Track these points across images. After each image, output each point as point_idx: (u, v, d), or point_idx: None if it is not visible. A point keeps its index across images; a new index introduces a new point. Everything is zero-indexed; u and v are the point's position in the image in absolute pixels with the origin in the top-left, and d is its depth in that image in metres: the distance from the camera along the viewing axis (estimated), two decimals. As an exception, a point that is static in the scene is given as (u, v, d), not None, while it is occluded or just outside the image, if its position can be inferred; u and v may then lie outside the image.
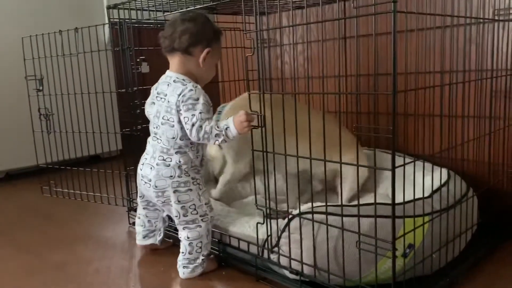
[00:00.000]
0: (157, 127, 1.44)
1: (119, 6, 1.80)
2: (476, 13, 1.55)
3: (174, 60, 1.44)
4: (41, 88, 2.22)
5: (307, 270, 1.25)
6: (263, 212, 1.35)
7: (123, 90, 1.85)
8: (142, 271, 1.52)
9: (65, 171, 2.25)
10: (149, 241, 1.60)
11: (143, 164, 1.47)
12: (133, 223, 1.92)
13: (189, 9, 1.60)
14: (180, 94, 1.37)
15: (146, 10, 1.81)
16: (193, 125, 1.34)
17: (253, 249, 1.41)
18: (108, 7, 1.83)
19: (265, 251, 1.36)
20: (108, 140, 2.10)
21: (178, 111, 1.38)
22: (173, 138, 1.40)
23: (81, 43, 1.99)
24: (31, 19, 2.82)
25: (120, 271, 1.51)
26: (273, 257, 1.33)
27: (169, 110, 1.39)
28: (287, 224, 1.28)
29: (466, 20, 1.52)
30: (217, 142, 1.36)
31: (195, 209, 1.42)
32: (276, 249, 1.32)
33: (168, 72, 1.46)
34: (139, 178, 1.49)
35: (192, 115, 1.34)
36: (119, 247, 1.72)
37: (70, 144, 2.20)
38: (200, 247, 1.43)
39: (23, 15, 2.81)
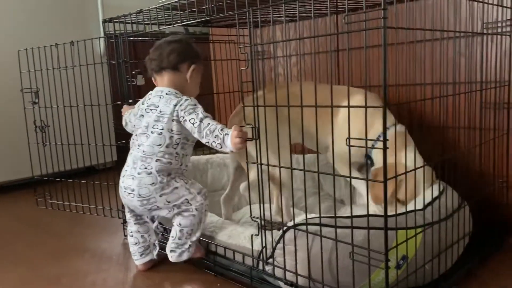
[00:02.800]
0: (146, 137, 1.49)
1: (114, 20, 1.82)
2: (465, 26, 1.59)
3: (164, 78, 1.55)
4: (36, 100, 2.23)
5: (301, 281, 1.25)
6: (258, 224, 1.36)
7: (119, 102, 1.87)
8: (138, 283, 1.52)
9: (60, 183, 2.25)
10: (147, 258, 1.60)
11: (124, 176, 1.52)
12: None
13: (184, 23, 1.62)
14: (176, 105, 1.46)
15: (141, 23, 1.83)
16: (201, 120, 1.40)
17: (248, 261, 1.42)
18: (104, 21, 1.85)
19: (260, 263, 1.37)
20: (104, 152, 2.11)
21: (172, 120, 1.45)
22: (159, 145, 1.47)
23: (77, 56, 2.00)
24: (27, 32, 2.85)
25: (116, 284, 1.51)
26: (268, 268, 1.34)
27: (160, 119, 1.47)
28: (282, 236, 1.29)
29: (455, 33, 1.55)
30: (213, 144, 1.39)
31: (188, 202, 1.49)
32: (271, 260, 1.33)
33: (157, 88, 1.56)
34: (121, 191, 1.53)
35: (196, 114, 1.43)
36: (114, 259, 1.72)
37: (65, 156, 2.21)
38: (190, 234, 1.50)
39: (19, 28, 2.84)
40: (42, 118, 2.21)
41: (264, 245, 1.35)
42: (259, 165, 1.34)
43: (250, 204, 1.47)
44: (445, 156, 1.29)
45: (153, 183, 1.46)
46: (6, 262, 1.74)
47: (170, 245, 1.52)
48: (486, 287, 1.36)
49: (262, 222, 1.36)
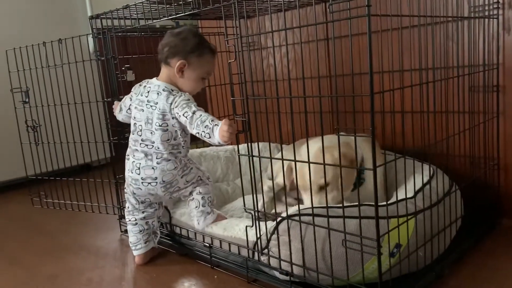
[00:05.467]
0: (151, 133, 1.52)
1: (101, 16, 1.81)
2: (452, 10, 1.58)
3: (163, 71, 1.57)
4: (27, 100, 2.22)
5: (296, 270, 1.26)
6: (252, 215, 1.37)
7: (109, 99, 1.86)
8: (135, 278, 1.53)
9: (55, 181, 2.25)
10: (150, 245, 1.64)
11: (138, 169, 1.54)
12: (125, 231, 1.93)
13: (171, 17, 1.61)
14: (172, 103, 1.49)
15: (128, 18, 1.82)
16: (193, 112, 1.43)
17: (244, 252, 1.43)
18: (91, 17, 1.84)
19: (256, 253, 1.38)
20: (97, 149, 2.11)
21: (173, 118, 1.49)
22: (168, 140, 1.51)
23: (67, 53, 1.99)
24: (16, 32, 2.82)
25: (113, 280, 1.52)
26: (263, 259, 1.35)
27: (161, 117, 1.50)
28: (276, 227, 1.29)
29: (441, 18, 1.55)
30: (202, 134, 1.40)
31: (201, 179, 1.63)
32: (266, 251, 1.33)
33: (155, 81, 1.56)
34: (136, 183, 1.55)
35: (189, 107, 1.45)
36: (111, 255, 1.73)
37: (59, 154, 2.21)
38: (211, 201, 1.62)
39: (7, 27, 2.81)
40: (33, 117, 2.20)
41: (258, 236, 1.35)
42: (251, 157, 1.34)
43: (243, 196, 1.48)
44: (435, 140, 1.29)
45: (175, 168, 1.53)
46: (1, 263, 1.74)
47: (196, 215, 1.60)
48: (479, 268, 1.38)
49: (256, 213, 1.36)
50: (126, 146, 1.86)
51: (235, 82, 1.35)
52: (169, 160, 1.52)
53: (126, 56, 1.92)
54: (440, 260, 1.36)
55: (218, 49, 2.35)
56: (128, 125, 1.84)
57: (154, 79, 1.57)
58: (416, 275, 1.28)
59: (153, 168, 1.52)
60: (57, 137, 2.17)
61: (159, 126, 1.50)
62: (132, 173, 1.55)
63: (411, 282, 1.25)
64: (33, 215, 2.30)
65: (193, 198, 1.61)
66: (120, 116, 1.69)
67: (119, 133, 1.87)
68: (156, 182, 1.52)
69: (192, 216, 1.62)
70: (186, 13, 1.59)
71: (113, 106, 1.76)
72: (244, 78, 1.29)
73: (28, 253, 1.81)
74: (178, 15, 1.63)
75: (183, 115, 1.45)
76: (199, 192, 1.60)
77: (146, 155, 1.53)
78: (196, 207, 1.60)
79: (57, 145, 2.20)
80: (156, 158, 1.52)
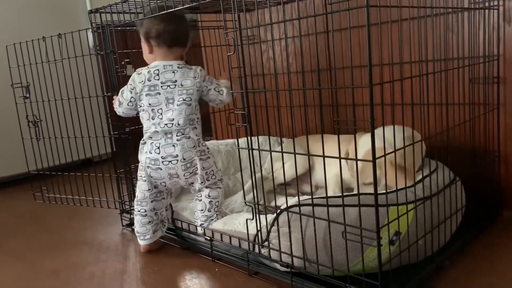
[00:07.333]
0: (172, 111, 1.55)
1: (100, 11, 1.80)
2: (452, 1, 1.58)
3: (174, 52, 1.61)
4: (28, 95, 2.22)
5: (297, 262, 1.27)
6: (252, 208, 1.37)
7: (109, 93, 1.86)
8: (137, 272, 1.54)
9: (57, 176, 2.25)
10: (158, 234, 1.66)
11: (158, 148, 1.56)
12: (127, 225, 1.94)
13: (170, 10, 1.60)
14: (196, 77, 1.58)
15: (128, 13, 1.81)
16: (225, 86, 1.62)
17: (245, 245, 1.43)
18: (90, 12, 1.84)
19: (256, 246, 1.38)
20: (97, 144, 2.11)
21: (197, 91, 1.59)
22: (190, 114, 1.57)
23: (66, 48, 1.99)
24: (16, 27, 2.82)
25: (115, 274, 1.53)
26: (264, 251, 1.36)
27: (184, 92, 1.56)
28: (276, 219, 1.30)
29: (441, 9, 1.54)
30: (218, 104, 1.65)
31: (213, 174, 1.62)
32: (266, 243, 1.34)
33: (159, 63, 1.60)
34: (156, 163, 1.56)
35: (217, 84, 1.62)
36: (113, 249, 1.74)
37: (60, 149, 2.21)
38: (217, 206, 1.63)
39: (6, 22, 2.81)
40: (34, 112, 2.20)
41: (258, 228, 1.36)
42: (250, 150, 1.34)
43: (243, 189, 1.49)
44: (436, 132, 1.29)
45: (194, 146, 1.57)
46: (4, 258, 1.75)
47: (200, 218, 1.61)
48: (480, 260, 1.38)
49: (256, 206, 1.36)
50: (126, 140, 1.87)
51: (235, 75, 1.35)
52: (189, 137, 1.56)
53: (125, 51, 1.92)
54: (441, 252, 1.36)
55: (218, 42, 2.36)
56: (128, 119, 1.85)
57: (154, 62, 1.60)
58: (416, 266, 1.29)
59: (173, 145, 1.54)
60: (58, 132, 2.17)
61: (183, 100, 1.55)
62: (151, 153, 1.56)
63: (411, 273, 1.25)
64: (35, 210, 2.31)
65: (201, 200, 1.61)
66: (120, 110, 1.67)
67: (120, 127, 1.88)
68: (177, 160, 1.54)
69: (195, 217, 1.63)
70: (185, 7, 1.58)
71: (113, 101, 1.76)
72: (244, 72, 1.29)
73: (30, 248, 1.82)
74: (177, 8, 1.63)
75: (214, 89, 1.61)
76: (208, 196, 1.61)
77: (165, 133, 1.55)
78: (202, 210, 1.61)
79: (58, 140, 2.20)
80: (176, 136, 1.55)
